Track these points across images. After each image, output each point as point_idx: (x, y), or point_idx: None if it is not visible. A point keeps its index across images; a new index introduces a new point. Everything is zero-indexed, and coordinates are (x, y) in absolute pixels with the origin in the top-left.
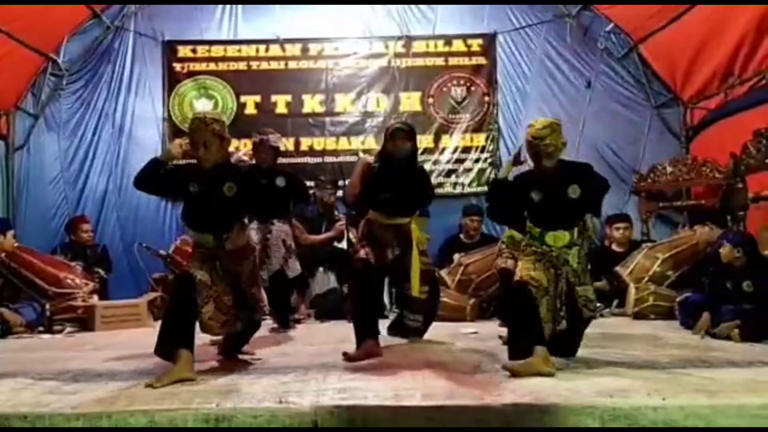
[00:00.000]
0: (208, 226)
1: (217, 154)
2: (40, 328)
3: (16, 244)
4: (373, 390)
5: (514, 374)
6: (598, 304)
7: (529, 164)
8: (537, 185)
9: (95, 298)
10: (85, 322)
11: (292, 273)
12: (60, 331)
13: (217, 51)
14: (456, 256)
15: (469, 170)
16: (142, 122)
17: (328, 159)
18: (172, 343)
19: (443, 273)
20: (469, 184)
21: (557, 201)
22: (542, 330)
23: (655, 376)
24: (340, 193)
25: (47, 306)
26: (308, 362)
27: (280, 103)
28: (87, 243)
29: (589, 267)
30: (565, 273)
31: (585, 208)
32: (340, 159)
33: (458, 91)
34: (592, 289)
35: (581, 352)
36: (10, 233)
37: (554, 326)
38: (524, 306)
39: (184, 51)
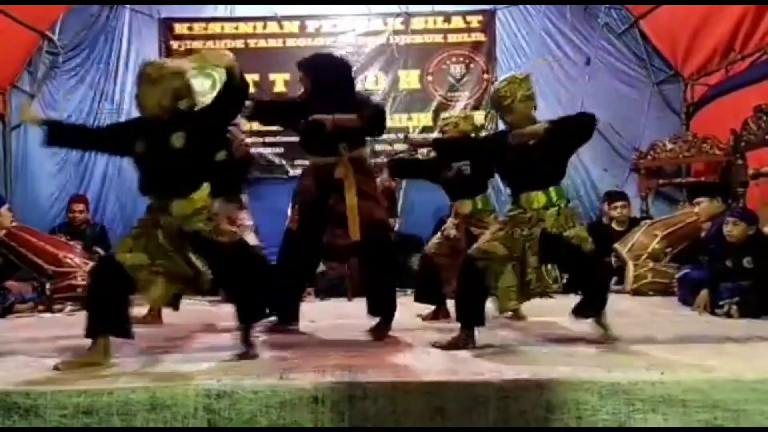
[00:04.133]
0: (156, 188)
1: (154, 101)
2: (41, 307)
3: (14, 223)
4: (373, 366)
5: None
6: None
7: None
8: (504, 144)
9: None
10: (84, 301)
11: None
12: (60, 310)
13: (214, 28)
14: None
15: None
16: None
17: None
18: (95, 330)
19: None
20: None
21: (523, 160)
22: (481, 309)
23: (653, 351)
24: None
25: (47, 285)
26: (309, 339)
27: (279, 81)
28: (80, 223)
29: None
30: (537, 233)
31: (559, 164)
32: None
33: (457, 69)
34: (584, 228)
35: (580, 327)
36: (4, 208)
37: (536, 289)
38: (468, 283)
39: (180, 28)
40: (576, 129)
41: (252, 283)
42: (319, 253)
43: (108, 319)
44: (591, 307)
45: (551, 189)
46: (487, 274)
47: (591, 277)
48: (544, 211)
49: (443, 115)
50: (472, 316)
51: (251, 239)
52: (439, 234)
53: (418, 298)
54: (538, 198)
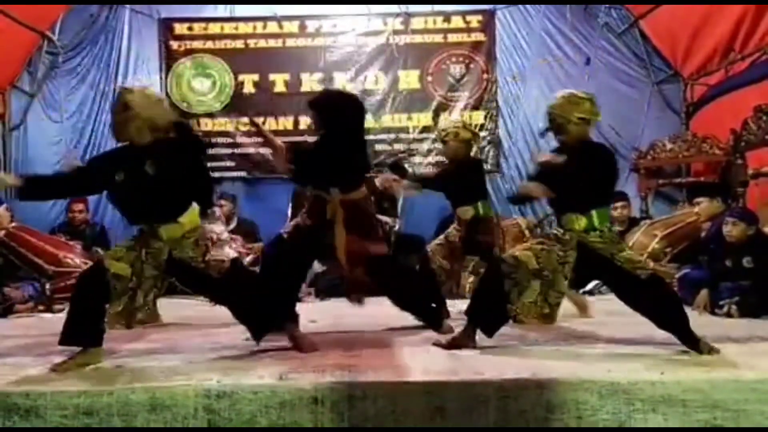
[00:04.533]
0: (137, 217)
1: (134, 131)
2: (41, 307)
3: (14, 223)
4: (373, 366)
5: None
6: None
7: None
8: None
9: None
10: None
11: None
12: (60, 310)
13: (214, 28)
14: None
15: None
16: None
17: None
18: (78, 337)
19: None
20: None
21: (560, 181)
22: (493, 312)
23: (653, 351)
24: None
25: (47, 285)
26: None
27: (279, 81)
28: (80, 223)
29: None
30: (573, 257)
31: (598, 188)
32: None
33: (457, 69)
34: (635, 253)
35: (582, 327)
36: (2, 208)
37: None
38: (488, 283)
39: (180, 28)
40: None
41: (249, 304)
42: (304, 272)
43: (85, 329)
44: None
45: (593, 212)
46: (508, 280)
47: (652, 304)
48: (585, 235)
49: (441, 125)
50: (480, 316)
51: (228, 253)
52: (442, 237)
53: None
54: (579, 221)
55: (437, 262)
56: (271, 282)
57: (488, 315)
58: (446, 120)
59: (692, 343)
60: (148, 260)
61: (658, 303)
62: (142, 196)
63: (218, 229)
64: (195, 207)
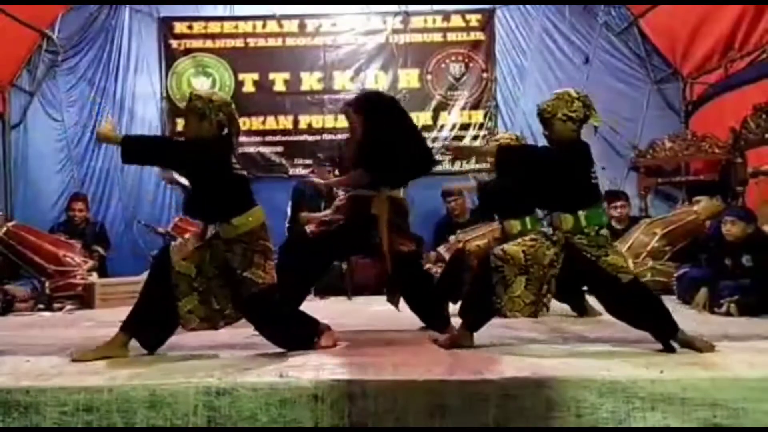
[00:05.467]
0: (196, 213)
1: (191, 132)
2: (40, 306)
3: (13, 223)
4: (373, 364)
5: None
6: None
7: None
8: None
9: (94, 275)
10: (84, 299)
11: None
12: (60, 309)
13: (214, 27)
14: (452, 238)
15: None
16: (142, 100)
17: (327, 137)
18: (129, 327)
19: (441, 250)
20: (468, 162)
21: (547, 179)
22: (481, 310)
23: (652, 349)
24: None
25: (47, 284)
26: None
27: (278, 80)
28: (80, 221)
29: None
30: (561, 258)
31: (581, 187)
32: (339, 137)
33: (456, 68)
34: (621, 256)
35: (581, 326)
36: None
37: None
38: (478, 279)
39: (180, 27)
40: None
41: (279, 326)
42: (325, 269)
43: (146, 322)
44: (658, 336)
45: (581, 213)
46: (495, 274)
47: (633, 309)
48: (571, 236)
49: (496, 136)
50: (466, 311)
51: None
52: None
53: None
54: (566, 221)
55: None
56: (295, 284)
57: (474, 310)
58: (499, 134)
59: (670, 337)
60: (210, 259)
61: (637, 306)
62: (193, 195)
63: None
64: (254, 211)
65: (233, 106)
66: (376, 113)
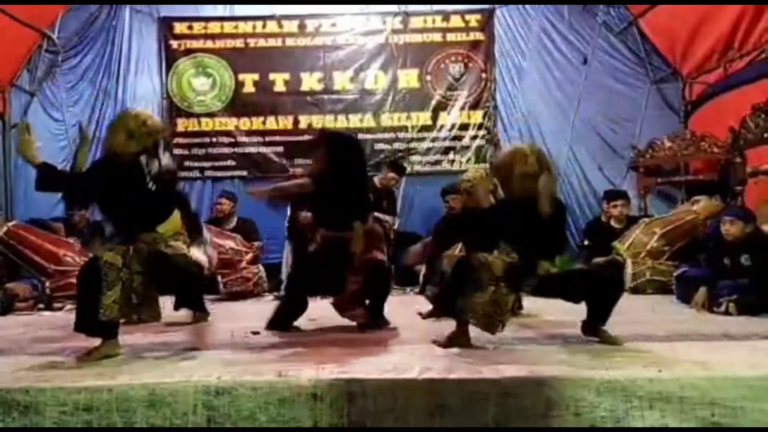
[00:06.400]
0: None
1: (115, 147)
2: (40, 306)
3: (13, 222)
4: (373, 363)
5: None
6: None
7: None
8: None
9: None
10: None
11: None
12: (60, 308)
13: (214, 28)
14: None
15: (466, 148)
16: (142, 100)
17: None
18: (85, 327)
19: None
20: (467, 162)
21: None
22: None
23: (651, 348)
24: None
25: (47, 283)
26: (308, 337)
27: (279, 81)
28: (79, 221)
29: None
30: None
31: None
32: None
33: (456, 68)
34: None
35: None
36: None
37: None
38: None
39: (180, 28)
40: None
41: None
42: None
43: (90, 318)
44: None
45: (557, 259)
46: (470, 274)
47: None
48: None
49: (466, 175)
50: (439, 299)
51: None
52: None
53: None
54: (543, 265)
55: None
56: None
57: (445, 298)
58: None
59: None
60: (134, 256)
61: (599, 287)
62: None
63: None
64: (171, 219)
65: (163, 134)
66: (341, 156)
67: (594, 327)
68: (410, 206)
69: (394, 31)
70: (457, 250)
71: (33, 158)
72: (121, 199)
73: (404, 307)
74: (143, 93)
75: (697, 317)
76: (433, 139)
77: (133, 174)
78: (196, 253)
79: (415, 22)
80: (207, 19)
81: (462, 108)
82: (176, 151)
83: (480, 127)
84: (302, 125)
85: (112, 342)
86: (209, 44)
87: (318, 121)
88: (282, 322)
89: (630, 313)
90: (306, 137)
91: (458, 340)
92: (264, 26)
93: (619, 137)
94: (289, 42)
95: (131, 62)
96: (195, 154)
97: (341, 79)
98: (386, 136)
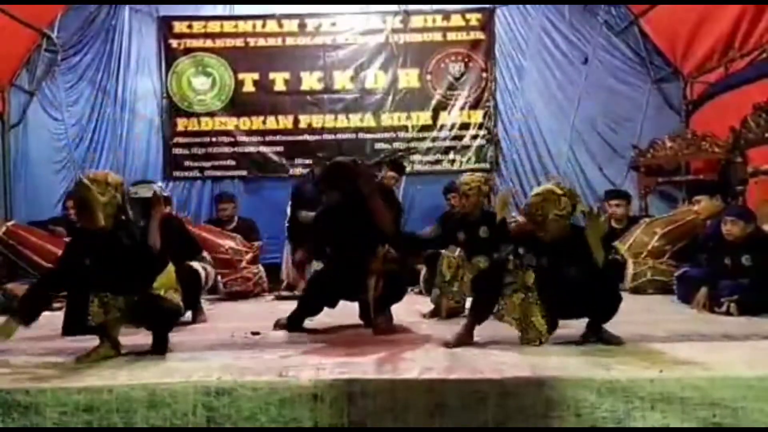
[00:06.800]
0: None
1: (106, 221)
2: None
3: (12, 222)
4: (373, 364)
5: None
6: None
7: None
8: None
9: None
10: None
11: None
12: (60, 309)
13: (214, 27)
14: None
15: (467, 147)
16: (142, 99)
17: (327, 136)
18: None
19: None
20: (467, 162)
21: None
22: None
23: (652, 349)
24: None
25: None
26: (308, 337)
27: (279, 80)
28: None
29: None
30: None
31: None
32: (339, 136)
33: (456, 67)
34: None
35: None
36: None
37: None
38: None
39: (180, 27)
40: None
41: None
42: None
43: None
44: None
45: None
46: (510, 275)
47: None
48: None
49: (462, 178)
50: (475, 304)
51: None
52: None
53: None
54: None
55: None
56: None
57: (483, 302)
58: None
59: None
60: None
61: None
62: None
63: None
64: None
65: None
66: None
67: (595, 327)
68: (410, 206)
69: (395, 31)
70: (457, 252)
71: (13, 329)
72: (109, 270)
73: (404, 307)
74: (143, 92)
75: (698, 317)
76: (434, 139)
77: (113, 245)
78: (195, 266)
79: (416, 21)
80: (207, 19)
81: (462, 107)
82: (176, 151)
83: (480, 126)
84: (302, 125)
85: (112, 342)
86: (209, 43)
87: (318, 120)
88: (297, 323)
89: (630, 313)
90: (306, 137)
91: (462, 340)
92: (264, 25)
93: (619, 137)
94: (289, 41)
95: (131, 61)
96: (195, 154)
97: (341, 79)
98: (386, 135)
